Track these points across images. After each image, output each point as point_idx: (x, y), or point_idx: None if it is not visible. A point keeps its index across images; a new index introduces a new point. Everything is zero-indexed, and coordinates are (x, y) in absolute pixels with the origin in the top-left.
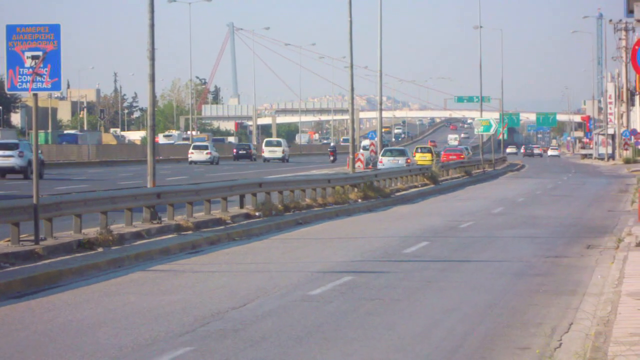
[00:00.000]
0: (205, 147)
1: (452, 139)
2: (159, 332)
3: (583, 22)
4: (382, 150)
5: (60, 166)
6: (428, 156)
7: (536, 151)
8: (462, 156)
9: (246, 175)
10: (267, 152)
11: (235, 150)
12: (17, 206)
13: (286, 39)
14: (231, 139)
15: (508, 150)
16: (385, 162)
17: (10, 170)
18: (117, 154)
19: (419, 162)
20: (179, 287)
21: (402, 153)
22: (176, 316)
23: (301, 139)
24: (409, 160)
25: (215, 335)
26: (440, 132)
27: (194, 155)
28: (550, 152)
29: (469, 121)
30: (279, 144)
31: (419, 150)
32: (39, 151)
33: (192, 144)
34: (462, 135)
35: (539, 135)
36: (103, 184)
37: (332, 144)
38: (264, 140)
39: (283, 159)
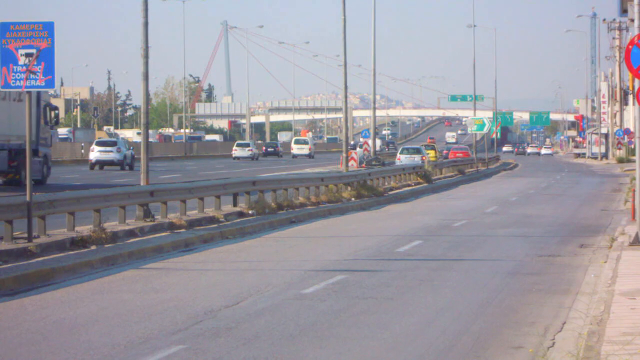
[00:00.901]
0: (247, 145)
1: (450, 137)
2: (151, 330)
3: (577, 21)
4: (400, 149)
5: (54, 164)
6: (432, 153)
7: (531, 150)
8: (468, 154)
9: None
10: (295, 149)
11: (264, 148)
12: (11, 204)
13: (280, 37)
14: (214, 137)
15: (504, 149)
16: (403, 159)
17: (110, 162)
18: None
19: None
20: (172, 285)
21: (418, 151)
22: (169, 314)
23: (290, 137)
24: (424, 158)
25: (208, 333)
26: (434, 130)
27: (237, 152)
28: (543, 151)
29: (464, 120)
30: (305, 142)
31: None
32: (131, 148)
33: (236, 142)
34: (459, 132)
35: (534, 135)
36: (96, 181)
37: (352, 142)
38: (293, 139)
39: (309, 156)
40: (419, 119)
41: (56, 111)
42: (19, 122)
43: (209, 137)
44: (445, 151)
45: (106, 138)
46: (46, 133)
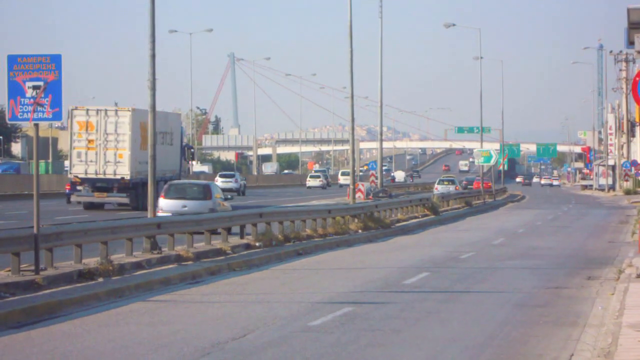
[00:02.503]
0: (319, 176)
1: (463, 165)
2: None
3: (583, 53)
4: (438, 180)
5: (59, 196)
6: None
7: (544, 181)
8: (489, 184)
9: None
10: (342, 180)
11: None
12: (18, 236)
13: (287, 69)
14: (202, 168)
15: (517, 179)
16: (440, 188)
17: (229, 190)
18: None
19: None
20: (179, 317)
21: (452, 182)
22: (176, 346)
23: (277, 168)
24: (457, 187)
25: None
26: (441, 161)
27: (310, 182)
28: (547, 182)
29: (475, 150)
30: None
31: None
32: (244, 179)
33: (309, 174)
34: (470, 159)
35: (542, 167)
36: (102, 214)
37: (392, 174)
38: (341, 171)
39: None
40: (420, 151)
41: (192, 150)
42: (170, 160)
43: (196, 169)
44: (465, 182)
45: (226, 172)
46: (185, 166)
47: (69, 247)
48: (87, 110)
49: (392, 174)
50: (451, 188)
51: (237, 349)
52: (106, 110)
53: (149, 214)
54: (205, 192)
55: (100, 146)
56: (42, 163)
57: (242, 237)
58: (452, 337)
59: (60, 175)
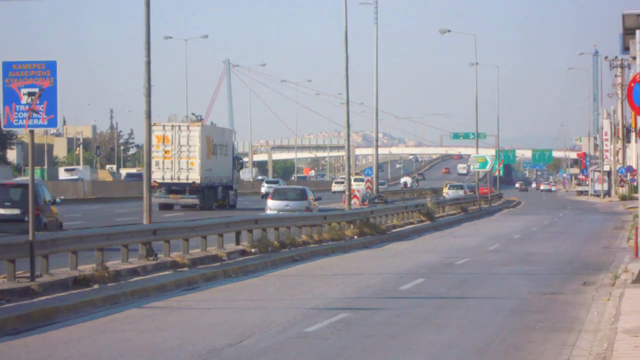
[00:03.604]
0: (343, 182)
1: (462, 168)
2: None
3: (579, 59)
4: (448, 185)
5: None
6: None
7: (543, 187)
8: (492, 189)
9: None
10: (354, 185)
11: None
12: (13, 243)
13: (282, 75)
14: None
15: (516, 185)
16: (451, 193)
17: (266, 195)
18: (113, 191)
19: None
20: (174, 323)
21: (461, 187)
22: (172, 353)
23: (251, 173)
24: (466, 192)
25: None
26: (437, 167)
27: (336, 187)
28: (545, 187)
29: (471, 156)
30: (362, 180)
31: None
32: (285, 184)
33: (334, 180)
34: (468, 163)
35: (538, 173)
36: (99, 220)
37: (403, 180)
38: (353, 178)
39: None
40: (411, 157)
41: (241, 160)
42: (225, 168)
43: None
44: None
45: (271, 178)
46: (236, 175)
47: (64, 254)
48: (164, 125)
49: (403, 180)
50: (460, 192)
51: (233, 355)
52: (179, 126)
53: (145, 220)
54: (302, 194)
55: (174, 156)
56: (37, 170)
57: (237, 243)
58: (448, 342)
59: (56, 182)
